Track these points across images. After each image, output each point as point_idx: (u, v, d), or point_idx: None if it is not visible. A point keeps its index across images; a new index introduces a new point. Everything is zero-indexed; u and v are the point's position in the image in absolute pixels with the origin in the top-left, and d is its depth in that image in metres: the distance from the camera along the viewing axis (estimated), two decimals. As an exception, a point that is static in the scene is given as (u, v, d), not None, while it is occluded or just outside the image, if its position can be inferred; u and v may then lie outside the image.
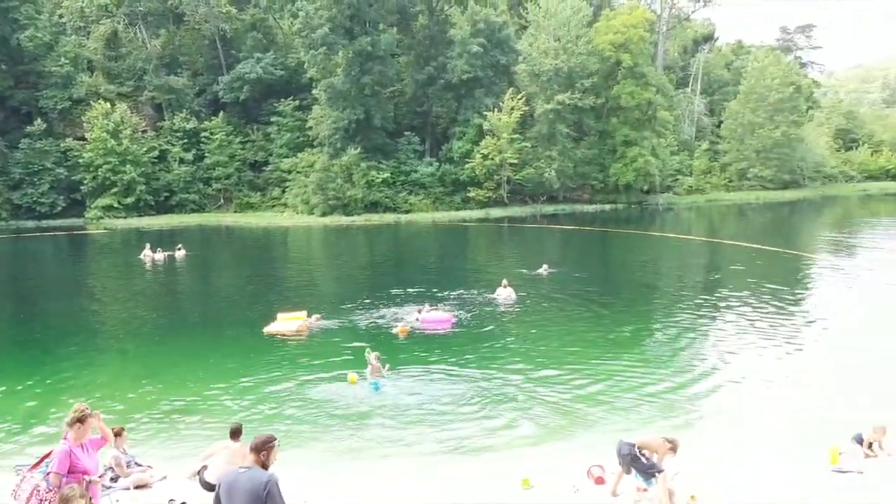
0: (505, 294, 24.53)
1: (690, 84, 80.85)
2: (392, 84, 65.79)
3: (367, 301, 24.80)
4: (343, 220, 57.97)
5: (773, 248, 35.17)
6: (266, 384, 16.21)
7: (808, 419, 13.46)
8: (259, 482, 6.14)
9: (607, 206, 63.21)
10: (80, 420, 7.46)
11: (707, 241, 41.88)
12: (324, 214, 59.04)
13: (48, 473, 7.57)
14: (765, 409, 14.24)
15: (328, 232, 53.87)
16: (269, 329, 21.11)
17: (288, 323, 21.32)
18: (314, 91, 62.86)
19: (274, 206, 64.39)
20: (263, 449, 6.28)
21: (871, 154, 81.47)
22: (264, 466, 6.31)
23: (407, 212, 60.37)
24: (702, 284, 28.69)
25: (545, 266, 29.76)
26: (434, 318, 21.59)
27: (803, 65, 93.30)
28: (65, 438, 7.48)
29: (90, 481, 7.62)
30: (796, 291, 26.24)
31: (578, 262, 35.94)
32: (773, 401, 14.69)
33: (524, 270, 29.94)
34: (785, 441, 12.45)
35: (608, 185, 64.83)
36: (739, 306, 23.09)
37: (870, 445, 11.39)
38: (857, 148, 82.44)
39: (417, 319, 21.54)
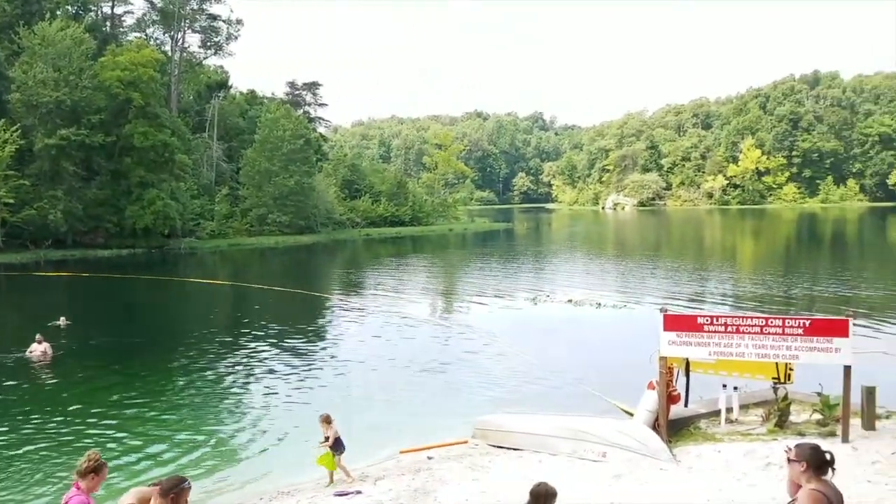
0: (40, 350, 21.50)
1: (207, 129, 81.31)
2: None
3: None
4: None
5: (293, 290, 36.87)
6: None
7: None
8: None
9: (125, 251, 59.12)
10: (96, 470, 6.06)
11: (232, 285, 42.05)
12: None
13: None
14: (291, 443, 14.34)
15: None
16: None
17: None
18: None
19: None
20: (172, 492, 5.46)
21: (372, 203, 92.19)
22: None
23: None
24: (229, 327, 28.35)
25: (62, 318, 26.63)
26: None
27: (311, 119, 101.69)
28: (76, 487, 6.01)
29: None
30: (316, 328, 27.81)
31: (99, 312, 33.03)
32: (302, 433, 14.86)
33: (31, 324, 25.73)
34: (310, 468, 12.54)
35: (125, 228, 60.73)
36: (266, 345, 23.41)
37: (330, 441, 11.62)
38: (360, 197, 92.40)
39: None
